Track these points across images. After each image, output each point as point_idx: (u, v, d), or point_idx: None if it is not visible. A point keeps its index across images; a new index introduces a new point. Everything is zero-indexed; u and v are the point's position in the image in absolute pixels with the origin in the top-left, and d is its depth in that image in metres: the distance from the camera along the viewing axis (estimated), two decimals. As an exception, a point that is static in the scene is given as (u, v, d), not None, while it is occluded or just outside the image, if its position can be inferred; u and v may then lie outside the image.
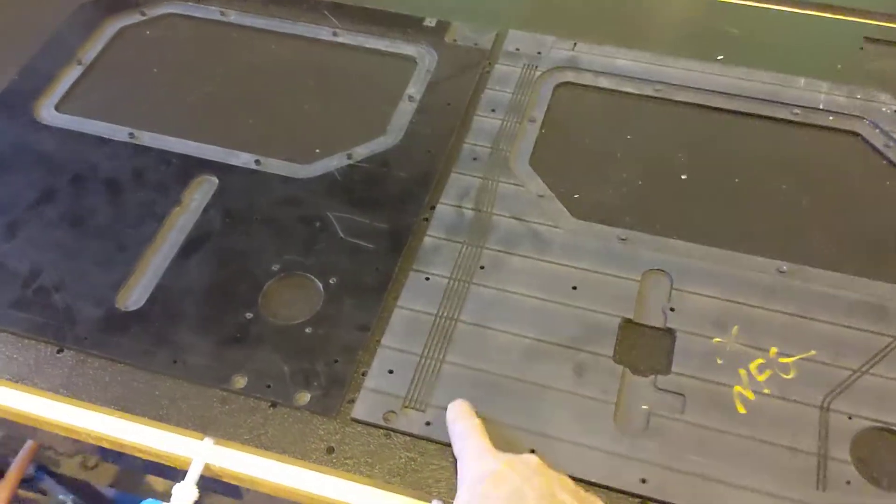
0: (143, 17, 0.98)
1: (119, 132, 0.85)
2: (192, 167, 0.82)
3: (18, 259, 0.75)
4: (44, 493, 1.16)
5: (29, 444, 1.09)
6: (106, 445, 0.68)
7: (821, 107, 0.87)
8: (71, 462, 1.25)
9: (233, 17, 0.97)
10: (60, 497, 1.09)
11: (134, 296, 0.72)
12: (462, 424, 0.62)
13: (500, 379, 0.67)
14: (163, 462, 0.67)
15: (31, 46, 0.94)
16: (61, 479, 1.19)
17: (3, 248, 0.75)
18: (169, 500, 0.63)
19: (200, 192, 0.80)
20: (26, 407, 0.68)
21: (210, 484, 0.68)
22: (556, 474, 0.57)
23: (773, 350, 0.68)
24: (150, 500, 0.72)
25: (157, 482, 1.26)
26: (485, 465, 0.57)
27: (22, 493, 1.11)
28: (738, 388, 0.66)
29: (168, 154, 0.83)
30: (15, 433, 0.98)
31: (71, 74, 0.91)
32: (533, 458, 0.58)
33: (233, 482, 0.66)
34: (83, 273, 0.74)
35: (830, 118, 0.86)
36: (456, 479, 0.61)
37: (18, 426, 0.73)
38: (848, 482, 0.61)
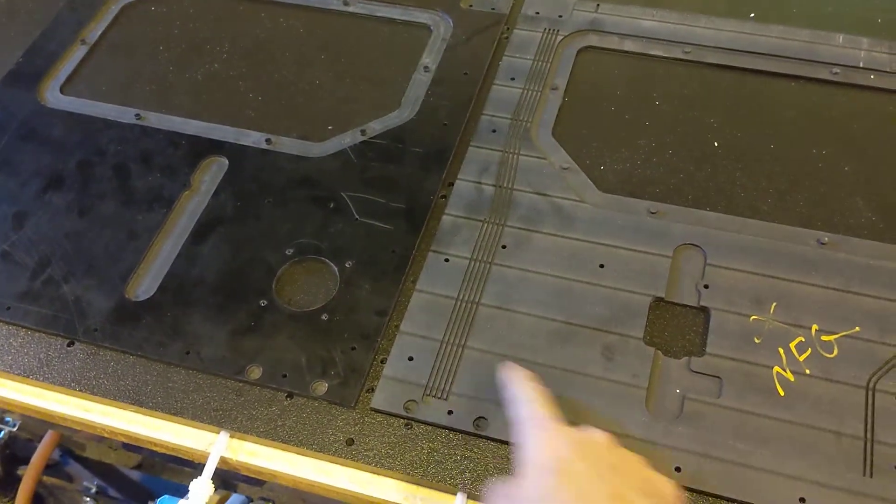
0: (147, -7, 0.94)
1: (125, 114, 0.82)
2: (201, 148, 0.79)
3: (26, 250, 0.73)
4: (70, 478, 1.16)
5: (51, 432, 1.08)
6: (121, 439, 0.67)
7: (861, 65, 0.81)
8: (98, 445, 1.24)
9: (239, -11, 0.94)
10: (85, 484, 1.09)
11: (144, 285, 0.70)
12: (522, 390, 0.58)
13: (526, 364, 0.63)
14: (180, 455, 0.66)
15: (35, 27, 0.91)
16: (87, 463, 1.18)
17: (10, 239, 0.73)
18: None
19: (210, 174, 0.77)
20: (38, 402, 0.66)
21: (230, 473, 0.66)
22: (626, 458, 0.54)
23: (815, 327, 0.64)
24: (165, 496, 0.70)
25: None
26: (553, 448, 0.53)
27: (47, 479, 1.11)
28: (777, 369, 0.63)
29: (176, 135, 0.80)
30: (39, 422, 0.97)
31: (76, 55, 0.89)
32: (602, 437, 0.55)
33: (251, 475, 0.64)
34: (92, 263, 0.71)
35: (872, 77, 0.81)
36: (514, 463, 0.59)
37: (34, 419, 0.71)
38: (896, 467, 0.58)
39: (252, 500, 0.79)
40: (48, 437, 1.07)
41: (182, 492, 0.65)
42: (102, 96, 0.84)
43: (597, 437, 0.55)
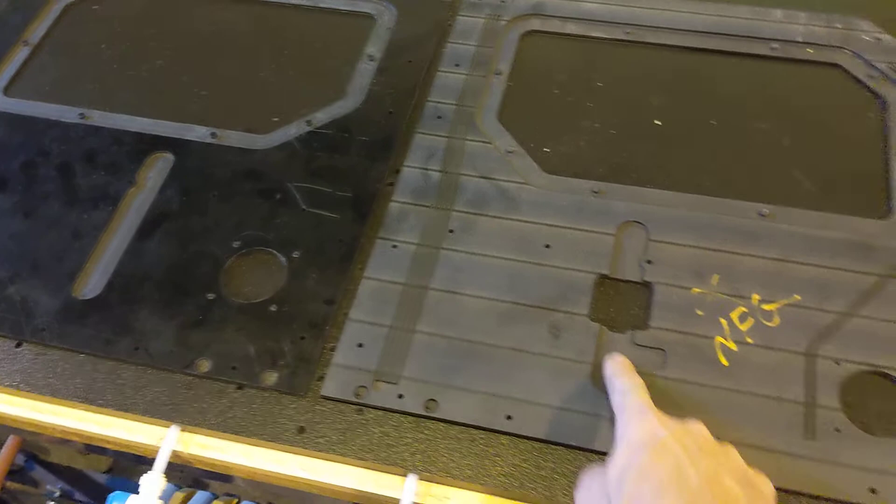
0: (89, -8, 0.94)
1: (69, 113, 0.82)
2: (146, 145, 0.78)
3: (-29, 253, 0.72)
4: (35, 483, 1.15)
5: (12, 437, 1.07)
6: (74, 439, 0.66)
7: (799, 39, 0.83)
8: (64, 449, 1.24)
9: (182, -16, 0.93)
10: (48, 488, 1.08)
11: (91, 283, 0.70)
12: (623, 381, 0.58)
13: (475, 345, 0.64)
14: (133, 452, 0.66)
15: (-24, 29, 0.90)
16: (53, 468, 1.18)
17: (-46, 243, 0.73)
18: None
19: (156, 171, 0.77)
20: (-12, 405, 0.66)
21: (197, 470, 0.66)
22: (724, 449, 0.52)
23: (756, 297, 0.66)
24: (117, 492, 0.70)
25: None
26: (649, 429, 0.52)
27: (11, 485, 1.10)
28: (719, 339, 0.64)
29: (121, 133, 0.80)
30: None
31: (18, 56, 0.88)
32: (700, 428, 0.53)
33: (205, 469, 0.64)
34: (38, 263, 0.71)
35: (810, 51, 0.82)
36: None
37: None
38: (837, 429, 0.59)
39: (217, 497, 0.79)
40: (9, 443, 1.06)
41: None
42: (46, 96, 0.84)
43: (697, 427, 0.53)
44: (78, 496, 1.13)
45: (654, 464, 0.49)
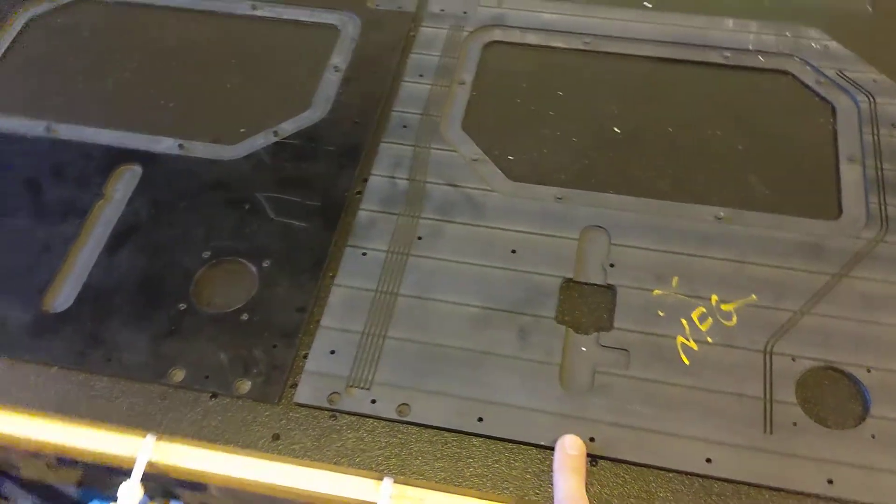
0: (53, 5, 0.94)
1: (35, 127, 0.82)
2: (113, 157, 0.79)
3: (-63, 268, 0.72)
4: (6, 498, 1.14)
5: (-20, 452, 1.06)
6: (49, 451, 0.66)
7: (751, 47, 0.86)
8: (35, 463, 1.22)
9: (146, -3, 0.93)
10: (20, 501, 1.07)
11: (62, 296, 0.70)
12: (565, 481, 0.58)
13: (445, 350, 0.66)
14: (109, 463, 0.66)
15: (-64, 43, 0.90)
16: (23, 483, 1.17)
17: (-81, 258, 0.72)
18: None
19: (123, 183, 0.77)
20: (-42, 420, 0.66)
21: (168, 480, 0.67)
22: None
23: (714, 298, 0.68)
24: (96, 501, 0.70)
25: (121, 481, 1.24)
26: None
27: (-22, 502, 1.09)
28: (681, 339, 0.66)
29: (87, 146, 0.80)
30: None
31: (-21, 70, 0.87)
32: None
33: (181, 478, 0.65)
34: (7, 277, 0.71)
35: (761, 58, 0.85)
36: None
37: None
38: (795, 423, 0.62)
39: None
40: (-25, 459, 1.05)
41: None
42: (10, 110, 0.84)
43: None
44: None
45: None
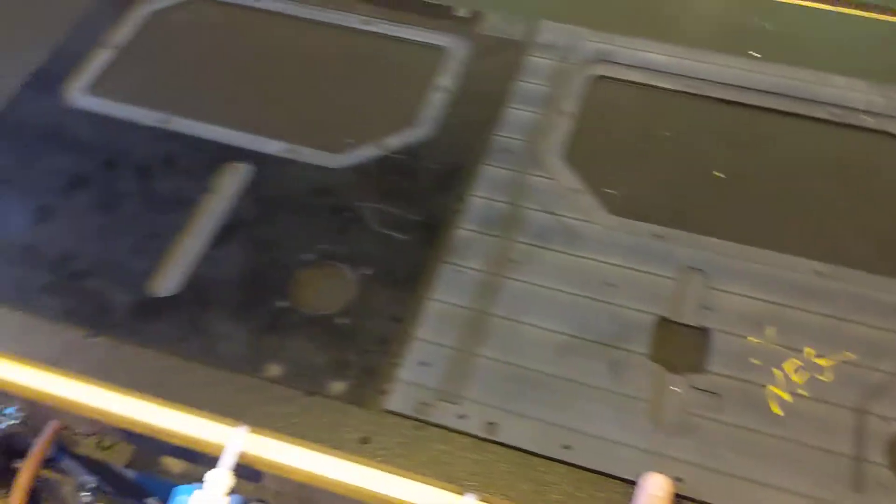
0: (175, 1, 0.97)
1: (151, 117, 0.85)
2: (224, 154, 0.81)
3: (49, 243, 0.74)
4: (64, 473, 1.16)
5: (52, 424, 1.09)
6: (139, 430, 0.68)
7: (858, 107, 0.86)
8: (87, 442, 1.25)
9: (264, 2, 0.96)
10: (85, 478, 1.09)
11: (167, 282, 0.72)
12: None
13: (535, 374, 0.67)
14: (196, 448, 0.67)
15: (61, 28, 0.94)
16: (80, 460, 1.19)
17: (34, 232, 0.75)
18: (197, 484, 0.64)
19: (233, 179, 0.79)
20: (59, 391, 0.68)
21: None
22: None
23: (809, 351, 0.68)
24: (181, 486, 0.72)
25: (173, 464, 1.26)
26: None
27: (44, 472, 1.11)
28: (773, 389, 0.66)
29: (200, 140, 0.83)
30: (42, 415, 0.98)
31: (102, 58, 0.91)
32: None
33: (266, 470, 0.66)
34: (115, 259, 0.73)
35: (868, 119, 0.85)
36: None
37: (48, 409, 0.73)
38: (884, 485, 0.61)
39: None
40: (49, 430, 1.08)
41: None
42: (128, 99, 0.87)
43: None
44: (103, 487, 1.14)
45: None
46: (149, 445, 0.85)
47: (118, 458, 1.29)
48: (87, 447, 1.27)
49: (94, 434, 1.24)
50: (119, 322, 0.69)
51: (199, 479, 0.98)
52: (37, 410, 0.88)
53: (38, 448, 1.05)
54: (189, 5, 0.97)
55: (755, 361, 0.67)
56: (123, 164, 0.80)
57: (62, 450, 1.20)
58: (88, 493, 1.03)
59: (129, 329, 0.69)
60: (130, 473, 1.23)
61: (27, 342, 0.69)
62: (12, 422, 1.13)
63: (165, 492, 0.85)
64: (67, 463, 1.21)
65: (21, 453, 1.13)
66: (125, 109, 0.86)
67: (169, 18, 0.96)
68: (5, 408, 1.14)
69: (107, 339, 0.69)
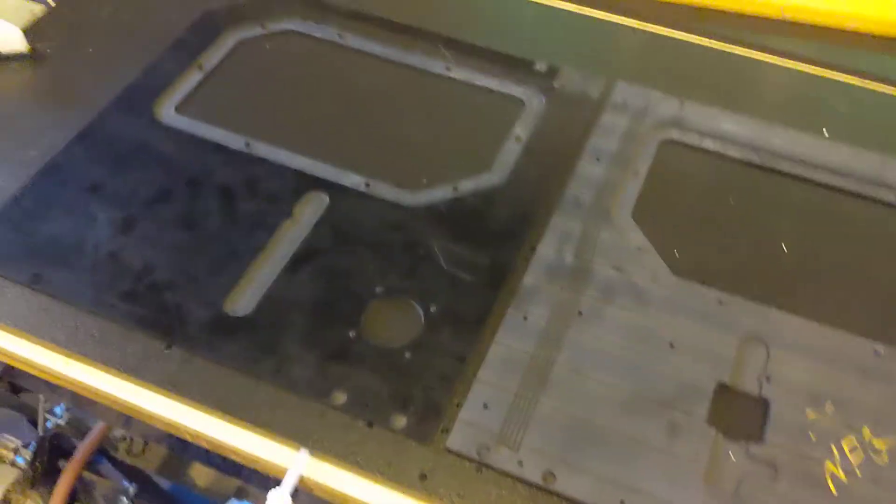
0: (264, 31, 1.01)
1: (235, 140, 0.88)
2: (304, 182, 0.84)
3: (132, 253, 0.77)
4: (100, 475, 1.18)
5: (99, 427, 1.11)
6: (204, 445, 0.70)
7: (925, 193, 0.87)
8: (119, 446, 1.27)
9: (350, 40, 1.00)
10: (124, 484, 1.11)
11: (242, 302, 0.75)
12: None
13: (594, 427, 0.68)
14: (257, 467, 0.69)
15: (154, 47, 0.98)
16: (116, 464, 1.21)
17: (118, 241, 0.78)
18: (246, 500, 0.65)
19: (311, 208, 0.82)
20: (130, 398, 0.70)
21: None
22: None
23: (867, 431, 0.68)
24: (233, 500, 0.73)
25: (198, 476, 1.28)
26: None
27: (87, 475, 1.13)
28: (829, 466, 0.66)
29: (282, 167, 0.85)
30: (96, 416, 1.01)
31: (191, 79, 0.94)
32: None
33: (323, 496, 0.68)
34: (194, 274, 0.76)
35: (934, 204, 0.86)
36: None
37: (111, 413, 0.75)
38: (935, 574, 0.61)
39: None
40: (96, 432, 1.10)
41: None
42: (214, 121, 0.90)
43: None
44: (141, 496, 1.16)
45: None
46: (184, 452, 0.88)
47: (147, 465, 1.31)
48: (118, 451, 1.29)
49: (130, 439, 1.27)
50: (194, 336, 0.72)
51: (223, 495, 1.01)
52: (91, 412, 0.91)
53: (83, 450, 1.07)
54: (275, 36, 1.01)
55: (812, 436, 0.68)
56: (206, 184, 0.83)
57: (101, 453, 1.22)
58: (126, 500, 1.05)
59: (204, 344, 0.71)
60: (164, 483, 1.24)
61: (104, 347, 0.71)
62: (59, 421, 1.15)
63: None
64: (105, 466, 1.23)
65: (65, 453, 1.15)
66: (210, 130, 0.89)
67: (256, 47, 1.00)
68: (54, 406, 1.17)
69: (182, 352, 0.71)
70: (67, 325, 0.72)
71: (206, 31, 1.00)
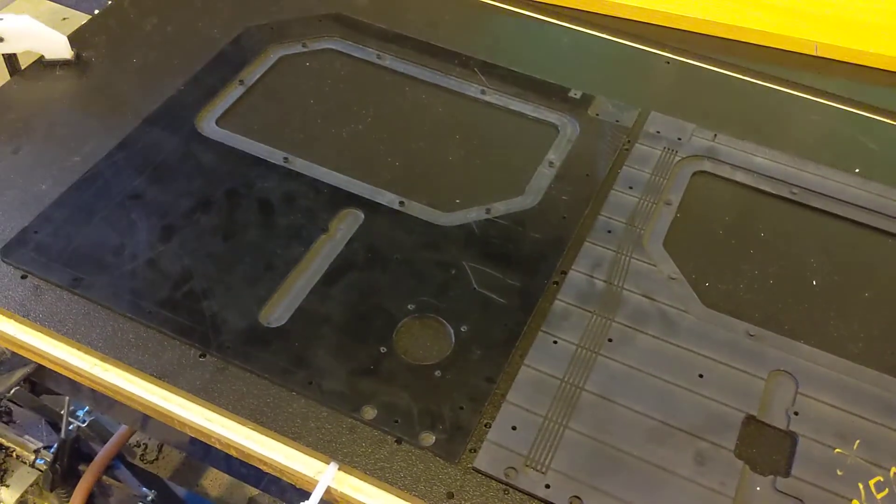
0: (304, 49, 1.03)
1: (274, 155, 0.89)
2: (340, 199, 0.85)
3: (171, 261, 0.79)
4: (118, 481, 1.19)
5: (120, 431, 1.12)
6: (232, 453, 0.71)
7: (956, 233, 0.87)
8: (133, 452, 1.29)
9: (388, 61, 1.02)
10: (143, 490, 1.12)
11: (277, 313, 0.76)
12: None
13: (621, 455, 0.68)
14: (284, 479, 0.70)
15: (196, 61, 1.00)
16: (134, 470, 1.22)
17: (157, 249, 0.79)
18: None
19: (346, 224, 0.83)
20: (163, 404, 0.71)
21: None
22: None
23: (894, 470, 0.68)
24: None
25: (210, 486, 1.29)
26: None
27: (106, 479, 1.14)
28: (855, 503, 0.66)
29: (319, 182, 0.87)
30: (133, 423, 1.02)
31: (233, 93, 0.96)
32: None
33: (344, 509, 0.68)
34: (231, 284, 0.77)
35: (964, 246, 0.87)
36: None
37: (140, 417, 0.76)
38: None
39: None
40: (117, 437, 1.11)
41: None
42: (254, 135, 0.92)
43: None
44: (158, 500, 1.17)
45: None
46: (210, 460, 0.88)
47: (160, 472, 1.32)
48: (132, 457, 1.30)
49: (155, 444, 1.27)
50: (229, 346, 0.73)
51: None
52: (121, 416, 0.92)
53: (105, 453, 1.08)
54: (316, 54, 1.03)
55: (839, 472, 0.68)
56: (245, 196, 0.85)
57: (119, 458, 1.23)
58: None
59: (239, 353, 0.72)
60: (181, 491, 1.25)
61: (140, 353, 0.72)
62: (81, 425, 1.17)
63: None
64: (122, 472, 1.24)
65: (84, 456, 1.16)
66: (249, 144, 0.90)
67: (296, 64, 1.01)
68: (77, 409, 1.18)
69: (216, 361, 0.72)
70: (105, 330, 0.74)
71: (247, 46, 1.02)
